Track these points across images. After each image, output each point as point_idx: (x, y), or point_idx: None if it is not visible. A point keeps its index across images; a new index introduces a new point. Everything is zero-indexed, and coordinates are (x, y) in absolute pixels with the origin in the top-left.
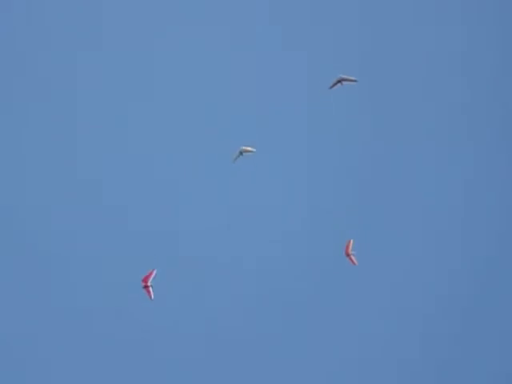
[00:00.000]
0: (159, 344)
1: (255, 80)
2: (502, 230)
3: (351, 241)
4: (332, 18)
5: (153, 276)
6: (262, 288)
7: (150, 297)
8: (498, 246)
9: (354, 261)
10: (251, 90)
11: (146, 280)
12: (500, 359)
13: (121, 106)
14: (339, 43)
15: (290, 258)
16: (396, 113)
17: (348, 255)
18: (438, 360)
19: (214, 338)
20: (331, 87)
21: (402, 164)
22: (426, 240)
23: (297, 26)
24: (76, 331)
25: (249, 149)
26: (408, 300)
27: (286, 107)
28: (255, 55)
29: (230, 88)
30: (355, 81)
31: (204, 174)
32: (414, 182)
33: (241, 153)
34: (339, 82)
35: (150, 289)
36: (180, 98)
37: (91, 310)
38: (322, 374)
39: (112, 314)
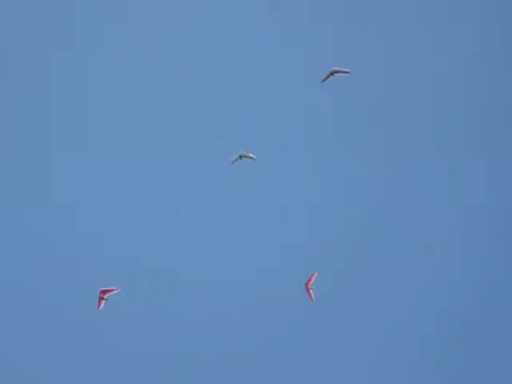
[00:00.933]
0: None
1: (254, 81)
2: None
3: (314, 274)
4: (335, 17)
5: (112, 293)
6: (261, 297)
7: (99, 307)
8: (500, 254)
9: (312, 296)
10: (249, 91)
11: (104, 293)
12: (501, 365)
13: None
14: (342, 43)
15: (290, 267)
16: (399, 115)
17: (307, 289)
18: (439, 368)
19: (210, 349)
20: (324, 80)
21: (403, 168)
22: (428, 245)
23: (298, 26)
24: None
25: (250, 155)
26: (411, 304)
27: (287, 109)
28: (255, 56)
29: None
30: (348, 72)
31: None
32: (416, 186)
33: (240, 156)
34: (332, 74)
35: (103, 302)
36: (159, 101)
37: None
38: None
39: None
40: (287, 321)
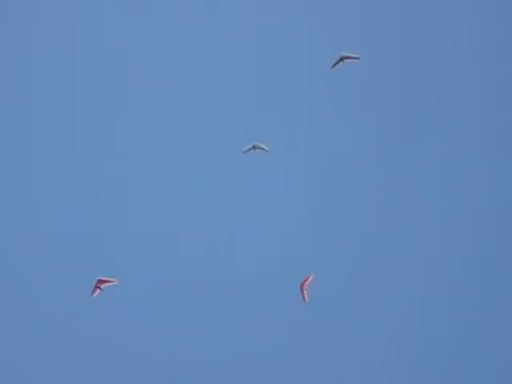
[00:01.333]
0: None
1: (253, 81)
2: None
3: (311, 276)
4: (335, 17)
5: (109, 284)
6: (261, 297)
7: (92, 295)
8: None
9: (306, 297)
10: (248, 91)
11: (101, 282)
12: (501, 365)
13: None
14: (342, 43)
15: (290, 267)
16: (399, 115)
17: (302, 290)
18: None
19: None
20: (333, 66)
21: (403, 168)
22: (428, 245)
23: (298, 26)
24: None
25: (262, 146)
26: (411, 304)
27: (286, 107)
28: (254, 55)
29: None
30: (358, 58)
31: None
32: (415, 186)
33: (254, 147)
34: (341, 59)
35: (97, 290)
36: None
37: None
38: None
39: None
40: (287, 321)
